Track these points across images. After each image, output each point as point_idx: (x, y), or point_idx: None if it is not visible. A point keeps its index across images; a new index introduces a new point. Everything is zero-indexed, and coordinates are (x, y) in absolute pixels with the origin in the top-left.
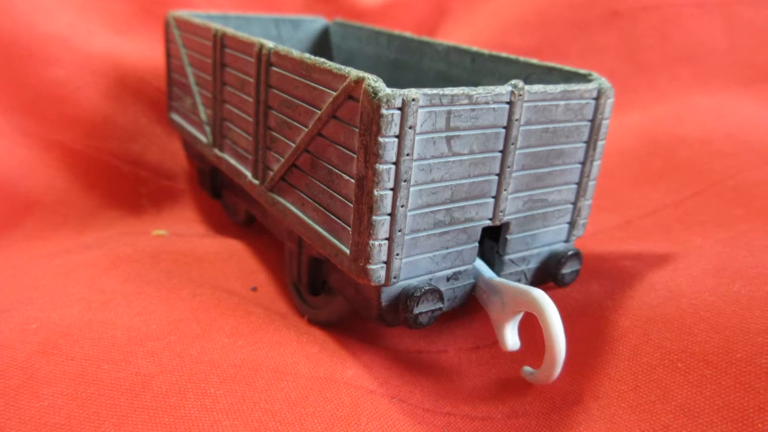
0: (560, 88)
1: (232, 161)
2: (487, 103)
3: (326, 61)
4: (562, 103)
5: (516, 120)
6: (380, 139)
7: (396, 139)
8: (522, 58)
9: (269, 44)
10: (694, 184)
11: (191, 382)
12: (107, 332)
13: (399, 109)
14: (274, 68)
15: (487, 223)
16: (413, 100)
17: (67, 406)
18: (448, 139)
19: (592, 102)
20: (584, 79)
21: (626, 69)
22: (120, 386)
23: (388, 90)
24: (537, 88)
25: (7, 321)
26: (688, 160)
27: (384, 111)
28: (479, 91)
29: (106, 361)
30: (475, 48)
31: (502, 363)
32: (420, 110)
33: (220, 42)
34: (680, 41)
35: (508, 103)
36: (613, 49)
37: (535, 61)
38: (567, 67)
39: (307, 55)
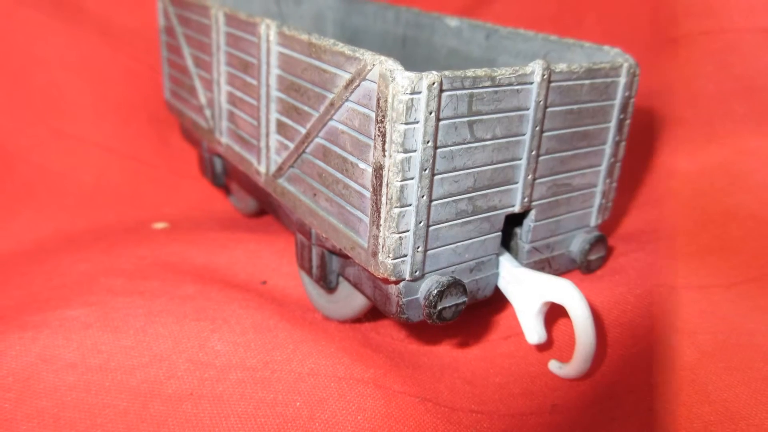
0: (585, 66)
1: (236, 147)
2: (510, 84)
3: (337, 42)
4: (587, 82)
5: (541, 102)
6: (400, 126)
7: (416, 126)
8: (541, 34)
9: (274, 24)
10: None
11: (203, 387)
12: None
13: (419, 93)
14: (281, 49)
15: (511, 210)
16: (434, 83)
17: (71, 416)
18: (471, 124)
19: (618, 80)
20: (607, 55)
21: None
22: (128, 394)
23: (408, 73)
24: (562, 66)
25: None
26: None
27: (403, 96)
28: (502, 72)
29: (113, 369)
30: (489, 23)
31: (531, 356)
32: (442, 94)
33: (220, 21)
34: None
35: (533, 83)
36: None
37: (554, 37)
38: (589, 43)
39: (315, 35)
